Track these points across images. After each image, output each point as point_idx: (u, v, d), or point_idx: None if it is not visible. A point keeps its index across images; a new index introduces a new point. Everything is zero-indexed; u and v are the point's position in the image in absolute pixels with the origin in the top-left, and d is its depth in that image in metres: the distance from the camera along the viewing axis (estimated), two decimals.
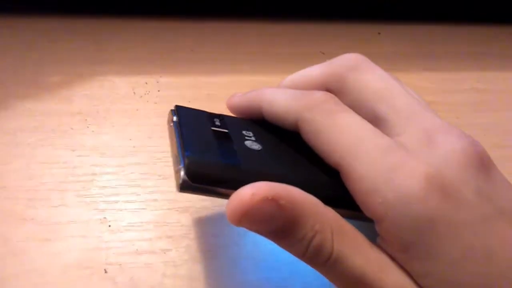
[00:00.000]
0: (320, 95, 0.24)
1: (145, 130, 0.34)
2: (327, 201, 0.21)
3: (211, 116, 0.25)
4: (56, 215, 0.29)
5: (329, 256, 0.21)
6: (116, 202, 0.30)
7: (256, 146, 0.24)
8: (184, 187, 0.21)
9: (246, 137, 0.25)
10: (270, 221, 0.20)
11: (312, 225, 0.20)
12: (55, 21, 0.40)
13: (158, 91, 0.36)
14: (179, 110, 0.25)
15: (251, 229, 0.21)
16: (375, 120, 0.24)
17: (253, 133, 0.25)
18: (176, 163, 0.22)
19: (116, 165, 0.31)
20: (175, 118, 0.24)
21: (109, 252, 0.27)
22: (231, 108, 0.28)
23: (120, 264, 0.27)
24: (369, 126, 0.23)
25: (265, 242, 0.28)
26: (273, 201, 0.20)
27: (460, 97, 0.40)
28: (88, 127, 0.33)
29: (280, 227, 0.20)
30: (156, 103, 0.36)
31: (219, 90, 0.37)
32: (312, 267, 0.22)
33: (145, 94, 0.36)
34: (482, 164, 0.22)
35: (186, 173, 0.21)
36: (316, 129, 0.23)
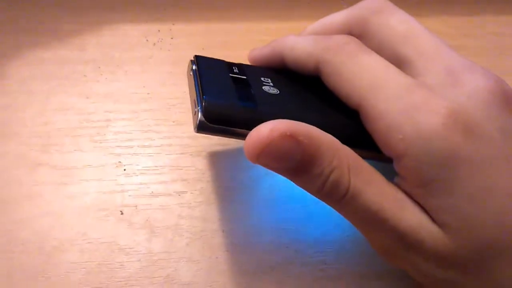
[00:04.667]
0: (342, 37, 0.24)
1: (159, 77, 0.33)
2: (344, 141, 0.21)
3: (230, 64, 0.26)
4: (71, 160, 0.29)
5: (346, 192, 0.20)
6: (131, 147, 0.30)
7: (273, 91, 0.24)
8: (201, 128, 0.22)
9: (264, 83, 0.25)
10: (288, 157, 0.20)
11: (330, 161, 0.20)
12: None
13: (171, 38, 0.36)
14: (198, 60, 0.25)
15: (269, 166, 0.21)
16: (399, 62, 0.23)
17: (271, 79, 0.25)
18: (194, 107, 0.22)
19: (130, 111, 0.31)
20: (194, 67, 0.24)
21: (125, 194, 0.28)
22: (253, 61, 0.28)
23: (136, 206, 0.27)
24: (391, 66, 0.22)
25: (278, 186, 0.28)
26: (291, 137, 0.20)
27: (480, 41, 0.39)
28: (101, 74, 0.33)
29: (298, 163, 0.20)
30: (169, 50, 0.35)
31: (233, 37, 0.36)
32: (329, 204, 0.22)
33: (158, 41, 0.35)
34: (507, 102, 0.21)
35: (204, 114, 0.21)
36: (336, 70, 0.23)
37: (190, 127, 0.22)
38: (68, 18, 0.36)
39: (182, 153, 0.29)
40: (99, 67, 0.33)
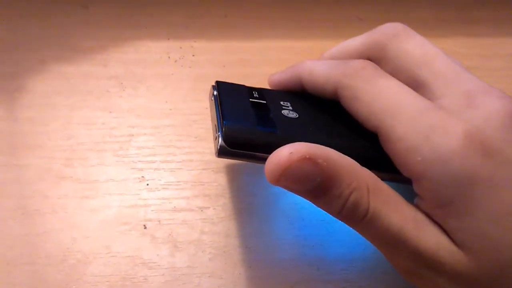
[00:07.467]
0: (359, 62, 0.24)
1: (180, 93, 0.34)
2: (364, 163, 0.22)
3: (250, 89, 0.26)
4: (94, 174, 0.29)
5: (366, 213, 0.21)
6: (153, 162, 0.30)
7: (293, 114, 0.25)
8: (222, 152, 0.22)
9: (284, 107, 0.25)
10: (307, 180, 0.20)
11: (349, 183, 0.21)
12: None
13: (193, 55, 0.36)
14: (219, 85, 0.26)
15: (289, 188, 0.21)
16: (416, 85, 0.24)
17: (290, 103, 0.26)
18: (215, 132, 0.23)
19: (152, 126, 0.32)
20: (215, 92, 0.25)
21: (148, 209, 0.28)
22: (272, 85, 0.28)
23: (159, 221, 0.27)
24: (408, 89, 0.23)
25: (300, 202, 0.29)
26: (311, 159, 0.20)
27: (499, 62, 0.39)
28: (124, 90, 0.33)
29: (317, 185, 0.20)
30: (190, 67, 0.35)
31: (253, 55, 0.37)
32: (349, 225, 0.22)
33: (179, 58, 0.36)
34: None
35: (224, 139, 0.22)
36: (355, 94, 0.23)
37: (211, 143, 0.23)
38: (92, 35, 0.36)
39: (204, 169, 0.30)
40: (122, 83, 0.34)
